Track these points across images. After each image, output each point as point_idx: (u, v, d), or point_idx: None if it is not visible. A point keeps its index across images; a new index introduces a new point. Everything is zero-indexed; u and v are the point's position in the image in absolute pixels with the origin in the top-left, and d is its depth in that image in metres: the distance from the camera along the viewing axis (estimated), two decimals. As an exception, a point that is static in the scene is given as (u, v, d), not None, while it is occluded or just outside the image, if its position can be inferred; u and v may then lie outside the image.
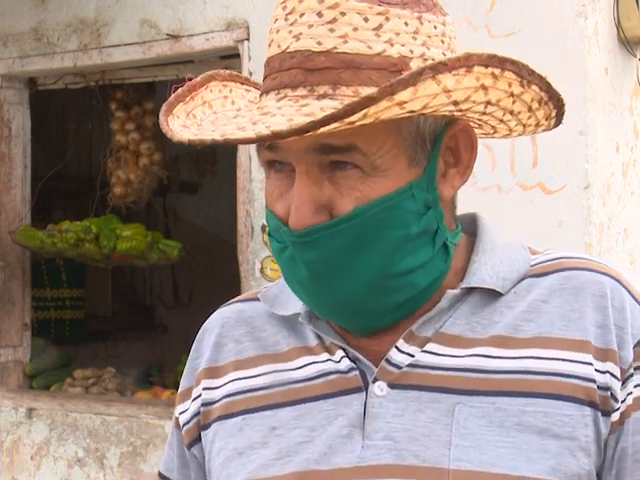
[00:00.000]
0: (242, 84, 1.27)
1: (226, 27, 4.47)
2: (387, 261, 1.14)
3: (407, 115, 1.07)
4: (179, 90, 1.20)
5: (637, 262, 4.15)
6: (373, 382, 1.19)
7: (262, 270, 4.39)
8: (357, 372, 1.21)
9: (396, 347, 1.19)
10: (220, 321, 1.35)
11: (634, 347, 1.17)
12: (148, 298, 8.19)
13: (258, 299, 1.33)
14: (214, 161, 7.76)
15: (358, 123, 1.04)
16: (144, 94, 5.62)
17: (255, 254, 4.42)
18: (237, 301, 1.38)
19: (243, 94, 1.26)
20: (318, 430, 1.20)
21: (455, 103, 1.09)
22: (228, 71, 1.26)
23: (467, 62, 1.06)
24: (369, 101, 1.02)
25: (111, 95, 5.54)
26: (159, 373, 6.29)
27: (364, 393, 1.19)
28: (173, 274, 7.85)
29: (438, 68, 1.04)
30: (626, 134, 4.07)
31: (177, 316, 7.76)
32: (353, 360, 1.22)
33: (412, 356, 1.19)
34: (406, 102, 1.04)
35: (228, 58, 4.56)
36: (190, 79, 1.22)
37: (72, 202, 7.29)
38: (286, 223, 1.15)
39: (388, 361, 1.19)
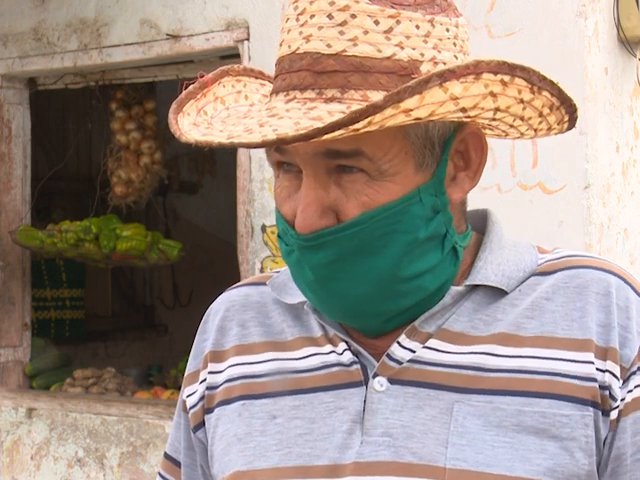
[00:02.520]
0: (256, 78, 1.27)
1: (226, 27, 4.47)
2: (395, 265, 1.14)
3: (413, 122, 1.07)
4: (190, 87, 1.19)
5: (637, 262, 4.15)
6: (373, 377, 1.19)
7: (262, 270, 4.39)
8: (358, 366, 1.21)
9: (398, 342, 1.19)
10: (225, 304, 1.35)
11: None
12: (148, 298, 8.19)
13: (265, 284, 1.33)
14: (214, 161, 7.77)
15: (363, 130, 1.04)
16: (145, 94, 5.62)
17: (255, 254, 4.42)
18: (244, 285, 1.38)
19: (257, 88, 1.26)
20: (318, 422, 1.20)
21: (463, 110, 1.08)
22: (242, 65, 1.26)
23: (475, 69, 1.05)
24: (374, 109, 1.02)
25: (111, 95, 5.55)
26: (159, 373, 6.29)
27: (364, 388, 1.19)
28: (173, 274, 7.84)
29: (445, 76, 1.04)
30: (626, 134, 4.07)
31: (177, 316, 7.76)
32: (355, 354, 1.22)
33: (413, 352, 1.19)
34: (412, 110, 1.04)
35: (228, 58, 4.56)
36: (202, 76, 1.21)
37: (72, 202, 7.29)
38: (293, 226, 1.15)
39: (389, 356, 1.19)
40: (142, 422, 4.71)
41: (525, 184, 3.82)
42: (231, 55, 4.52)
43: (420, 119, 1.06)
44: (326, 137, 1.03)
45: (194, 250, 5.88)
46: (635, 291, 1.21)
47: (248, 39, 4.41)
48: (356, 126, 1.02)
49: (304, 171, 1.14)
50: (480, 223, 1.28)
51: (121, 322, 7.87)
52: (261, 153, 4.37)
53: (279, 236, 1.20)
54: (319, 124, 1.04)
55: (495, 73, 1.07)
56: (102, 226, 5.28)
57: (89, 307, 7.50)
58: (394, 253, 1.14)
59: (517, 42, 3.78)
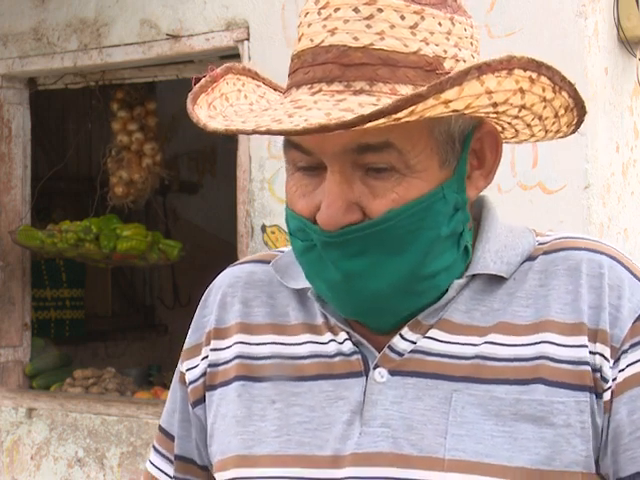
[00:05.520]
0: (253, 79, 1.27)
1: (226, 27, 4.47)
2: (418, 263, 1.15)
3: (449, 114, 1.08)
4: (202, 80, 1.19)
5: (637, 262, 4.14)
6: (374, 368, 1.19)
7: (262, 270, 4.38)
8: (359, 356, 1.21)
9: (400, 335, 1.20)
10: (228, 280, 1.35)
11: (633, 323, 1.17)
12: (148, 298, 8.19)
13: (269, 263, 1.33)
14: (214, 161, 7.76)
15: (404, 119, 1.05)
16: (145, 94, 5.61)
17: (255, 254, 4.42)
18: (248, 261, 1.37)
19: (254, 88, 1.26)
20: (317, 411, 1.21)
21: (495, 105, 1.10)
22: (241, 65, 1.26)
23: (509, 64, 1.08)
24: (418, 98, 1.02)
25: (112, 95, 5.54)
26: (159, 373, 6.29)
27: (364, 378, 1.20)
28: (173, 274, 7.84)
29: (482, 68, 1.05)
30: (626, 134, 4.07)
31: (177, 316, 7.75)
32: (356, 344, 1.22)
33: (414, 343, 1.20)
34: (451, 101, 1.05)
35: (228, 58, 4.56)
36: (212, 70, 1.22)
37: (72, 202, 7.29)
38: (313, 221, 1.15)
39: (391, 348, 1.20)
40: (142, 422, 4.71)
41: (525, 184, 3.82)
42: (231, 55, 4.52)
43: (457, 111, 1.07)
44: (368, 125, 1.03)
45: (194, 250, 5.87)
46: (628, 270, 1.22)
47: (248, 39, 4.41)
48: (399, 115, 1.03)
49: (330, 168, 1.13)
50: (476, 208, 1.28)
51: (121, 322, 7.86)
52: (262, 153, 4.37)
53: (291, 234, 1.19)
54: (351, 115, 1.04)
55: (525, 69, 1.09)
56: (102, 226, 5.28)
57: (89, 307, 7.50)
58: (418, 250, 1.14)
59: (517, 42, 3.78)
